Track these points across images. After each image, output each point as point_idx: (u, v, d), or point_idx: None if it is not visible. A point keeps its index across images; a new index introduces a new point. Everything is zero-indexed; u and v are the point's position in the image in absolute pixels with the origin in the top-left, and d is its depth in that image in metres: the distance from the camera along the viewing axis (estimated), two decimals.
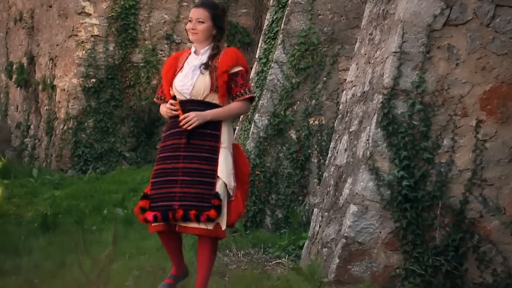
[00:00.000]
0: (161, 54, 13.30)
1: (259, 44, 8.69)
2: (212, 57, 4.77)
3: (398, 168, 5.34)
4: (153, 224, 4.71)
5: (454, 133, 5.39)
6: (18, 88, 15.66)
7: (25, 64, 15.25)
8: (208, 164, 4.67)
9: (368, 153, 5.41)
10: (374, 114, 5.46)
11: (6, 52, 16.69)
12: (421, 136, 5.39)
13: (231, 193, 4.70)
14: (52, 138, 13.56)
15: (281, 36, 8.17)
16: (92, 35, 13.03)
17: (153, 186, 4.73)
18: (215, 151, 4.71)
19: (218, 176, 4.67)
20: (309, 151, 7.99)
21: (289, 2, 8.22)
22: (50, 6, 14.02)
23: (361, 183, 5.38)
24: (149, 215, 4.68)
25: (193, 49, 4.87)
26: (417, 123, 5.40)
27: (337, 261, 5.36)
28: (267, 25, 8.60)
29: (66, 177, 12.07)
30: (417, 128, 5.39)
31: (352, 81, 6.27)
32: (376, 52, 5.82)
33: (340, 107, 6.48)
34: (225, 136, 4.75)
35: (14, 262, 6.69)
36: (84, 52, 12.97)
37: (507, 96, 5.39)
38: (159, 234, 4.80)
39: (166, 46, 13.31)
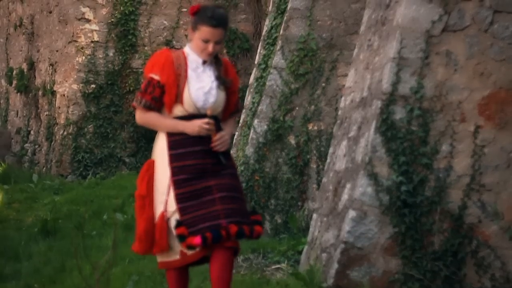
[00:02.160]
0: None
1: (258, 50, 8.71)
2: (220, 70, 4.44)
3: (397, 173, 5.35)
4: (190, 253, 4.28)
5: (452, 139, 5.40)
6: (18, 93, 15.67)
7: (25, 70, 15.26)
8: (236, 180, 4.43)
9: (367, 158, 5.41)
10: (373, 120, 5.46)
11: (6, 58, 16.70)
12: (420, 142, 5.39)
13: None
14: (52, 143, 13.56)
15: (280, 42, 8.19)
16: (92, 41, 13.04)
17: (185, 211, 4.26)
18: (235, 168, 4.53)
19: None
20: (308, 156, 8.00)
21: (288, 8, 8.24)
22: (50, 12, 14.04)
23: (360, 189, 5.39)
24: (195, 240, 4.20)
25: (195, 57, 4.40)
26: (415, 128, 5.40)
27: (336, 266, 5.37)
28: (266, 31, 8.62)
29: (66, 183, 12.08)
30: (416, 133, 5.39)
31: (350, 87, 6.28)
32: (374, 58, 5.83)
33: (339, 113, 6.49)
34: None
35: (14, 267, 6.71)
36: (84, 58, 12.99)
37: (505, 101, 5.40)
38: (173, 269, 4.39)
39: None
